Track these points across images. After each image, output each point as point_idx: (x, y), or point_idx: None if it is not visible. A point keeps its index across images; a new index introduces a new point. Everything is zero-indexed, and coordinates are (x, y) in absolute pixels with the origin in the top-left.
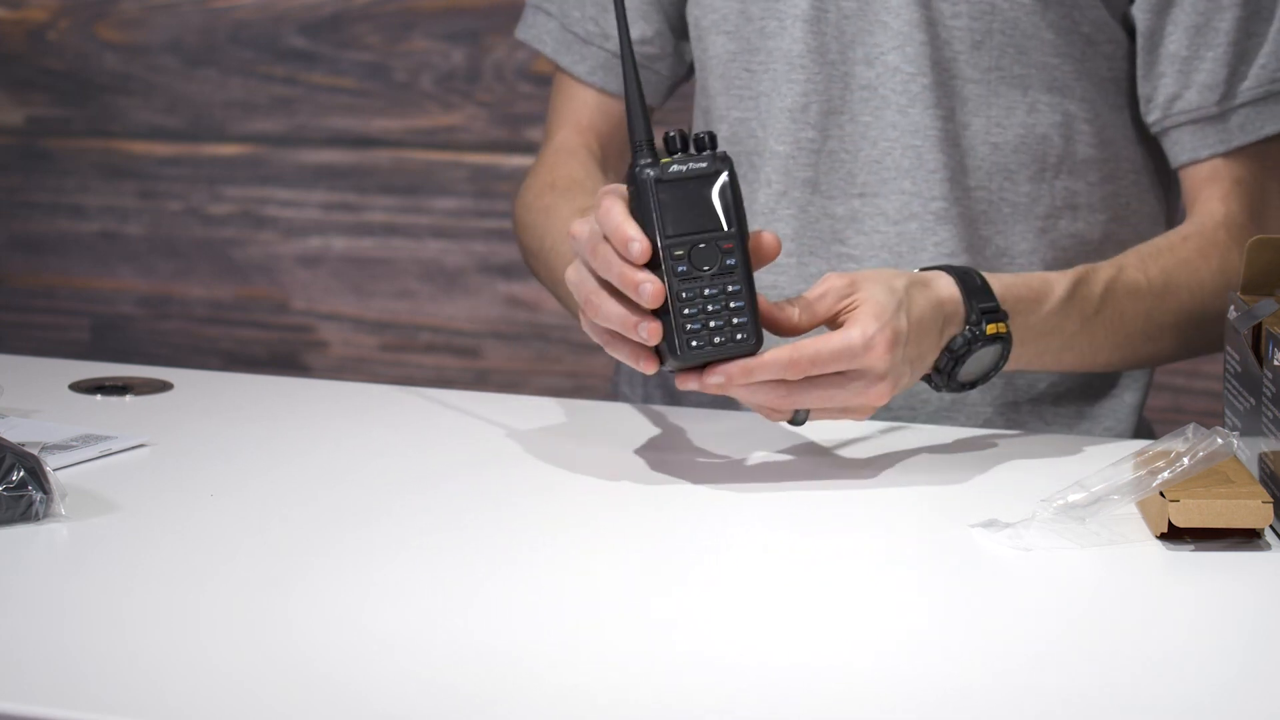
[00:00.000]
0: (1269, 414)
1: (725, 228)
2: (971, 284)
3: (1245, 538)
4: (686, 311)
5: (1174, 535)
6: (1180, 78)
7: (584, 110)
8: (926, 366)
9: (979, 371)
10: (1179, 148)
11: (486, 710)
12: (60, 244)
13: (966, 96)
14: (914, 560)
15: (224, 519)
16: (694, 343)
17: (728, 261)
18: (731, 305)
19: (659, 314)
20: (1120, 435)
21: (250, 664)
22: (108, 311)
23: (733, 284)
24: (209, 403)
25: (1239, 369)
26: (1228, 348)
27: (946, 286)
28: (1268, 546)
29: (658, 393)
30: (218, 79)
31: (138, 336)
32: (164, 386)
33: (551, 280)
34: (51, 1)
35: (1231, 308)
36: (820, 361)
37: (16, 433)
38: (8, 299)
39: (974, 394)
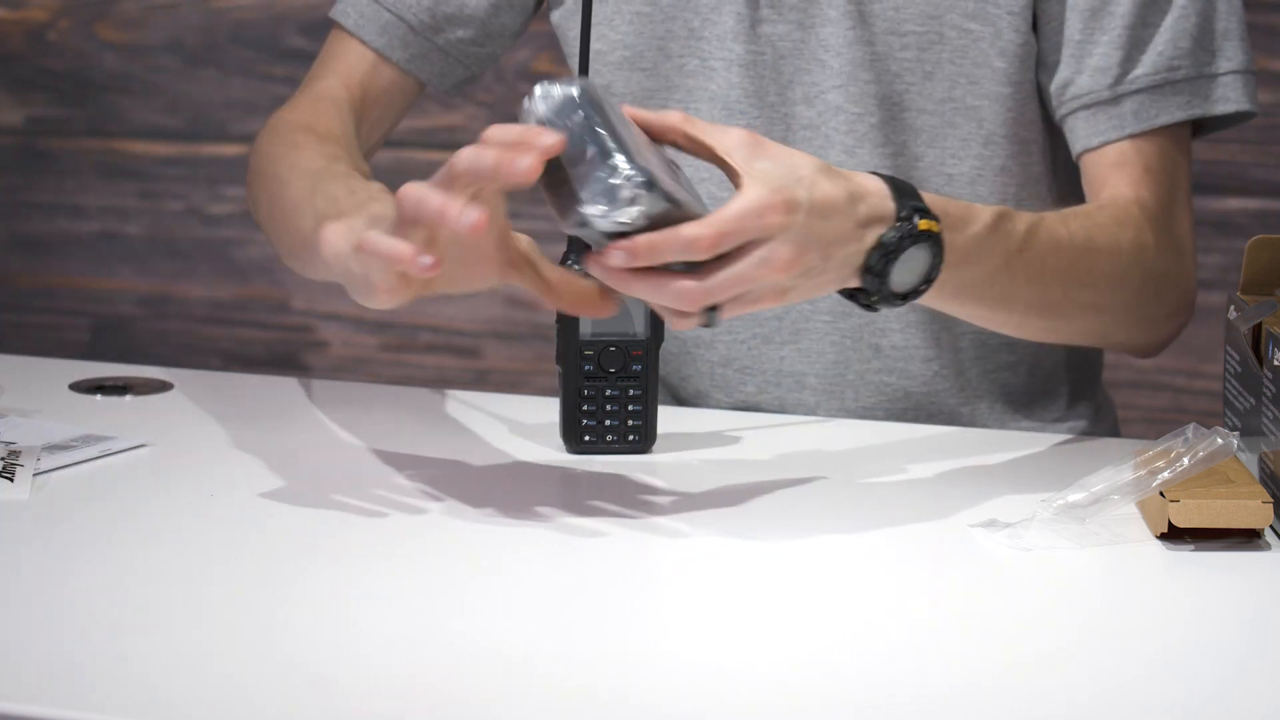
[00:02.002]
0: (1269, 414)
1: (638, 334)
2: (900, 184)
3: (1245, 538)
4: (585, 408)
5: (1174, 535)
6: (1073, 62)
7: (358, 67)
8: (846, 263)
9: (911, 278)
10: (1075, 135)
11: (485, 711)
12: (60, 244)
13: (919, 128)
14: (914, 560)
15: (224, 519)
16: (587, 437)
17: (634, 367)
18: (630, 408)
19: (564, 398)
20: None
21: (249, 664)
22: (108, 311)
23: (635, 388)
24: (209, 403)
25: (1239, 369)
26: (1227, 348)
27: (869, 180)
28: (1268, 546)
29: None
30: (218, 79)
31: (138, 336)
32: (164, 386)
33: (270, 211)
34: (51, 1)
35: (1232, 308)
36: (726, 224)
37: (17, 433)
38: (8, 299)
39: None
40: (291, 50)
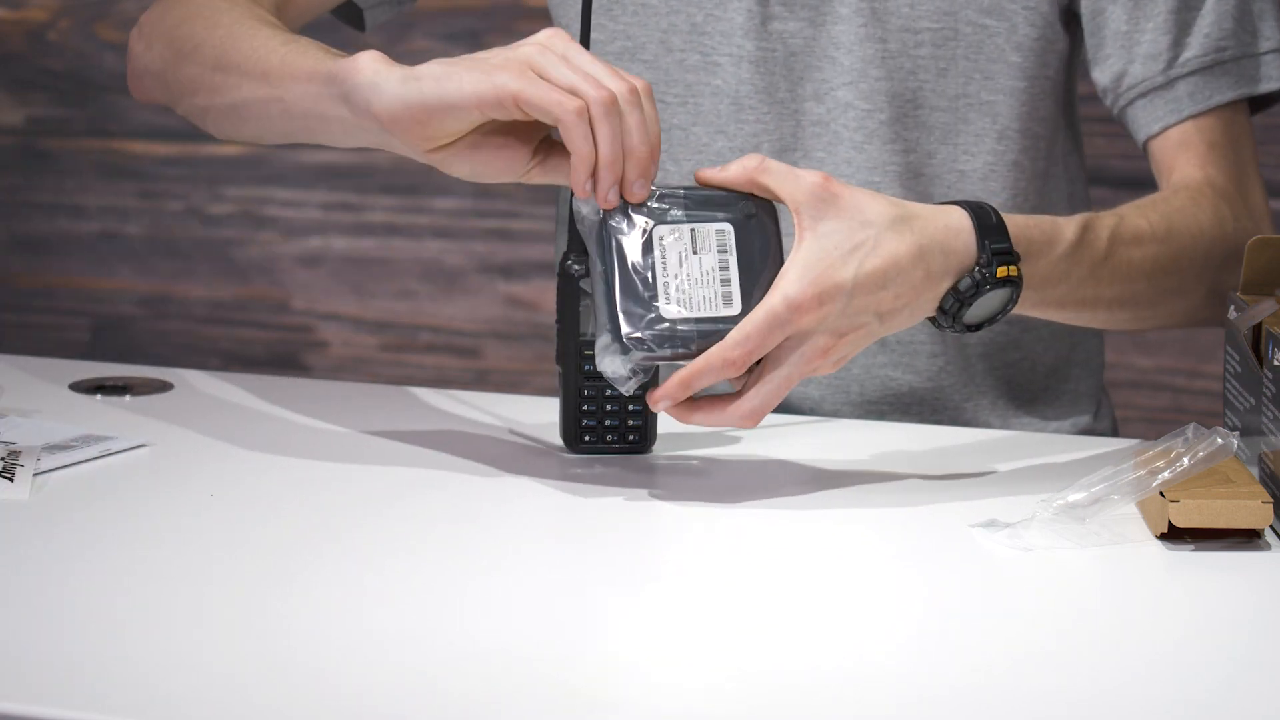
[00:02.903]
0: (1269, 414)
1: None
2: (986, 221)
3: (1245, 538)
4: (585, 408)
5: (1174, 535)
6: (1124, 53)
7: None
8: (916, 311)
9: (986, 314)
10: (1136, 124)
11: (485, 710)
12: (60, 244)
13: (933, 125)
14: (914, 560)
15: (224, 519)
16: (587, 437)
17: None
18: (630, 408)
19: (564, 398)
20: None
21: (250, 664)
22: (108, 311)
23: None
24: (209, 403)
25: (1239, 369)
26: (1227, 348)
27: (951, 220)
28: (1268, 546)
29: None
30: None
31: (138, 336)
32: (164, 386)
33: (218, 64)
34: (51, 1)
35: (1232, 308)
36: (754, 338)
37: (17, 433)
38: (8, 299)
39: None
40: None
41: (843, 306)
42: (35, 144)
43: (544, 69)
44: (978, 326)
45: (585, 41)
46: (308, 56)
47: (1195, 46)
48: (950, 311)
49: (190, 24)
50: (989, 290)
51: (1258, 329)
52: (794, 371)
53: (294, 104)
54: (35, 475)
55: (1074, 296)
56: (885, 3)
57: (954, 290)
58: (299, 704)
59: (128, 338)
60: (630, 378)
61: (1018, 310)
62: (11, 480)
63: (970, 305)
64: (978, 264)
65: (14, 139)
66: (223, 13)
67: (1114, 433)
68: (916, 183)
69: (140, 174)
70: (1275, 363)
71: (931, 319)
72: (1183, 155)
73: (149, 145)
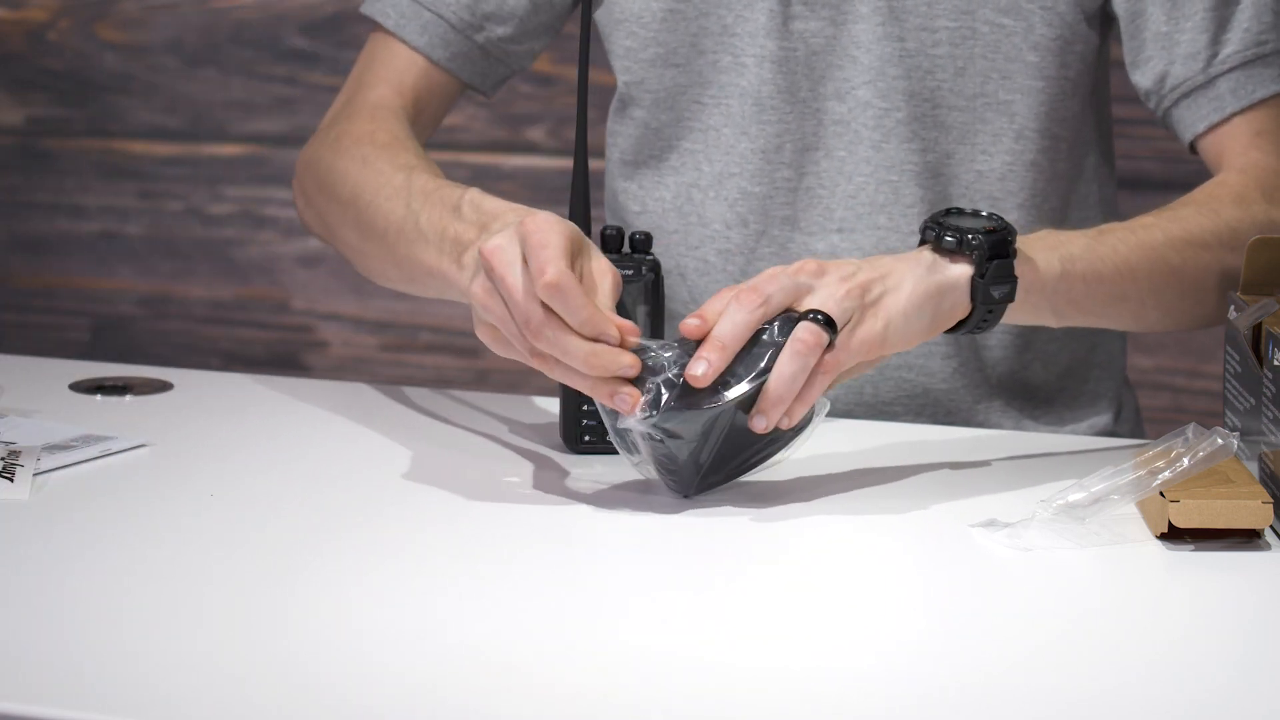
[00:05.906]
0: (1269, 414)
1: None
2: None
3: (1245, 538)
4: (585, 408)
5: (1174, 535)
6: (1164, 54)
7: (408, 72)
8: (906, 263)
9: (981, 223)
10: (1181, 126)
11: (483, 710)
12: (60, 244)
13: (951, 125)
14: (914, 560)
15: (224, 519)
16: (587, 437)
17: None
18: None
19: (564, 398)
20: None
21: (249, 664)
22: (108, 311)
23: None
24: (209, 403)
25: (1239, 369)
26: (1227, 348)
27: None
28: (1268, 546)
29: None
30: (218, 79)
31: (138, 336)
32: (164, 386)
33: (361, 235)
34: (51, 1)
35: (1232, 308)
36: (753, 288)
37: (17, 433)
38: (8, 299)
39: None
40: (291, 50)
41: (803, 263)
42: (35, 144)
43: (492, 325)
44: (1005, 276)
45: (585, 41)
46: (429, 248)
47: (1234, 42)
48: (940, 228)
49: (331, 206)
50: (952, 218)
51: (1258, 329)
52: (781, 272)
53: (424, 288)
54: (35, 475)
55: (1104, 265)
56: (903, 1)
57: (927, 226)
58: (299, 704)
59: (128, 338)
60: (646, 419)
61: (1065, 295)
62: (11, 480)
63: (952, 217)
64: (925, 225)
65: (14, 139)
66: (348, 180)
67: (1138, 435)
68: (935, 183)
69: (140, 174)
70: (1275, 363)
71: (960, 324)
72: (1228, 149)
73: (149, 145)
